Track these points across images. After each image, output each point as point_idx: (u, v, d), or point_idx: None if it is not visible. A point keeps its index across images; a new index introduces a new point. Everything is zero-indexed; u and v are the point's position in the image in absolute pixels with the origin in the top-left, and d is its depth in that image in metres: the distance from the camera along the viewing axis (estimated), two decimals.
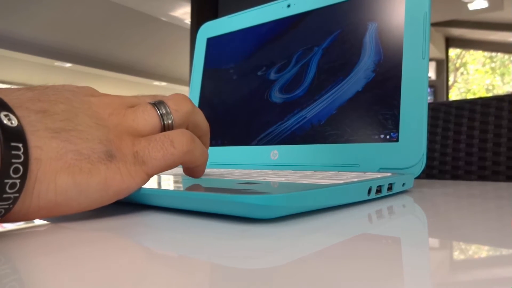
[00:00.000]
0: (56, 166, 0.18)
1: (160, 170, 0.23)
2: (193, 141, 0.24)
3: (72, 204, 0.19)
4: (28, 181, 0.17)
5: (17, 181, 0.17)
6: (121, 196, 0.21)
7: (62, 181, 0.18)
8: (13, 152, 0.16)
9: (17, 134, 0.17)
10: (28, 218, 0.19)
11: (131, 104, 0.24)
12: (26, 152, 0.17)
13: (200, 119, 0.28)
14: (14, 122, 0.17)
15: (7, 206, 0.17)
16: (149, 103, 0.24)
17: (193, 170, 0.27)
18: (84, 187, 0.19)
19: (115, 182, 0.20)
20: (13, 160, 0.16)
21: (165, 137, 0.23)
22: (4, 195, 0.16)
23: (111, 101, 0.23)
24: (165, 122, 0.24)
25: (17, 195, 0.17)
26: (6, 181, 0.16)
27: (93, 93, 0.23)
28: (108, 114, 0.22)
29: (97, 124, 0.21)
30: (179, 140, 0.23)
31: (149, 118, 0.24)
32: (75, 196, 0.19)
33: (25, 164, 0.17)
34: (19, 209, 0.18)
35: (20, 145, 0.17)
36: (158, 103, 0.24)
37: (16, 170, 0.16)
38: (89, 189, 0.19)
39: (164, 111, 0.24)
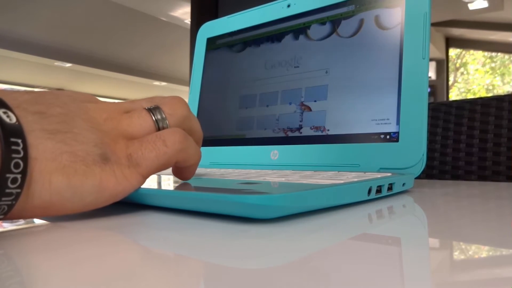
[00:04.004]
0: (51, 166, 0.18)
1: (154, 170, 0.23)
2: (186, 139, 0.24)
3: (67, 205, 0.19)
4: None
5: (18, 176, 0.17)
6: (116, 198, 0.21)
7: (57, 181, 0.19)
8: (13, 147, 0.17)
9: (16, 130, 0.17)
10: (23, 216, 0.19)
11: (127, 109, 0.24)
12: (25, 148, 0.17)
13: (195, 125, 0.28)
14: (13, 119, 0.17)
15: (9, 202, 0.17)
16: (145, 108, 0.25)
17: (184, 171, 0.27)
18: (78, 189, 0.19)
19: (110, 185, 0.20)
20: (13, 155, 0.17)
21: (157, 137, 0.23)
22: (7, 190, 0.16)
23: (106, 107, 0.23)
24: (160, 127, 0.24)
25: (19, 190, 0.17)
26: (7, 175, 0.16)
27: (90, 99, 0.24)
28: (103, 119, 0.22)
29: (93, 128, 0.21)
30: (171, 138, 0.23)
31: (144, 123, 0.24)
32: (69, 197, 0.19)
33: (25, 159, 0.17)
34: (15, 208, 0.18)
35: (19, 140, 0.17)
36: (153, 108, 0.25)
37: (16, 165, 0.17)
38: (84, 191, 0.19)
39: (159, 117, 0.24)
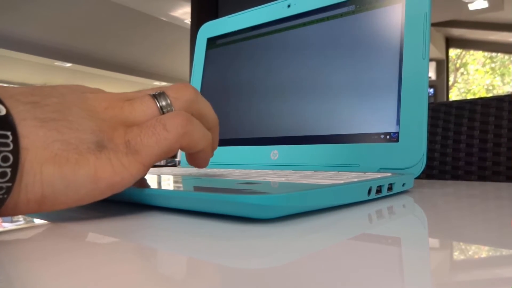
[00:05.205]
0: (42, 156, 0.17)
1: (156, 157, 0.21)
2: (190, 122, 0.22)
3: (61, 197, 0.18)
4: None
5: (8, 169, 0.16)
6: (115, 190, 0.20)
7: (48, 171, 0.17)
8: (1, 140, 0.16)
9: (5, 122, 0.16)
10: (17, 212, 0.18)
11: (130, 97, 0.23)
12: (15, 140, 0.16)
13: (206, 109, 0.26)
14: (2, 111, 0.16)
15: (0, 196, 0.16)
16: (149, 94, 0.23)
17: (196, 157, 0.25)
18: (71, 178, 0.18)
19: (106, 175, 0.19)
20: (1, 149, 0.16)
21: (157, 121, 0.21)
22: None
23: (108, 96, 0.22)
24: (165, 113, 0.23)
25: (9, 184, 0.16)
26: None
27: (93, 90, 0.23)
28: (103, 107, 0.21)
29: (90, 116, 0.20)
30: (172, 122, 0.21)
31: (147, 110, 0.22)
32: (62, 188, 0.18)
33: (15, 152, 0.16)
34: (8, 202, 0.17)
35: (9, 133, 0.16)
36: (158, 94, 0.23)
37: (5, 159, 0.16)
38: (77, 181, 0.18)
39: (164, 103, 0.23)
